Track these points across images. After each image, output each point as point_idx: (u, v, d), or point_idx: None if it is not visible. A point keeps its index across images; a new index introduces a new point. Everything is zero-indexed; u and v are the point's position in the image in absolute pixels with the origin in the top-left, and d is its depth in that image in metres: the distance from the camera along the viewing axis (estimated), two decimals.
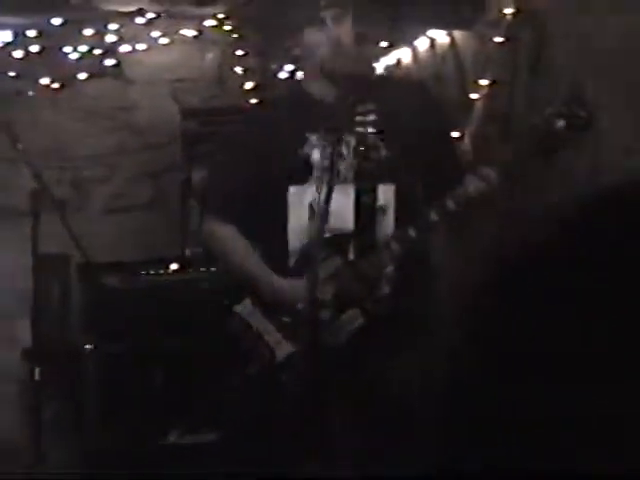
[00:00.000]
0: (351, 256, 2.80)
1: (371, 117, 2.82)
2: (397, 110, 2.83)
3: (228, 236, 2.94)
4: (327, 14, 2.83)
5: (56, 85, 5.30)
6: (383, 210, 2.80)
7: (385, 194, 2.81)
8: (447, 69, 4.36)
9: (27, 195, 4.14)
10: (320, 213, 2.60)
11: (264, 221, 2.87)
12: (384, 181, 2.80)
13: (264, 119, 3.00)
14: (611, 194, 0.93)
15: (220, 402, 4.11)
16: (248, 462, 2.91)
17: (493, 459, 0.89)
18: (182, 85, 5.48)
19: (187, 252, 4.96)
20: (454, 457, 0.92)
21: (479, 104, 4.05)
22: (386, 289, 2.79)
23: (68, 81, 5.31)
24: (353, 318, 2.77)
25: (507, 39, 3.91)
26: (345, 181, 2.79)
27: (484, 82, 4.03)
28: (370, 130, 2.80)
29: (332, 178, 2.62)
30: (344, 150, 2.80)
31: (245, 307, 2.90)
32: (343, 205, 2.77)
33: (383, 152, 2.80)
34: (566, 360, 0.87)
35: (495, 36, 3.95)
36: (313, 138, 2.83)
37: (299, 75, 5.29)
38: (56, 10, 5.12)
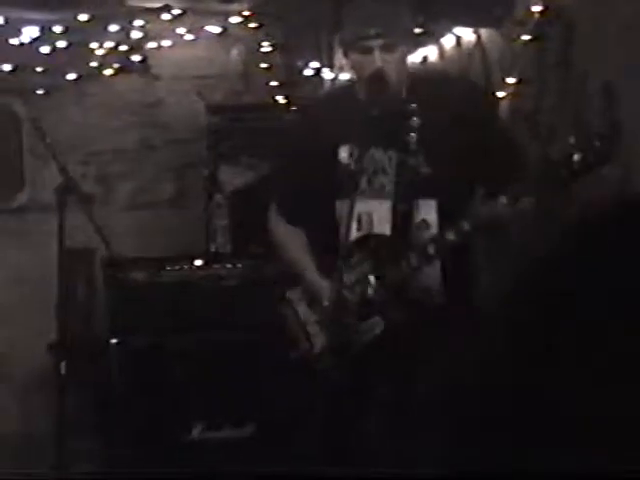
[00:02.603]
0: (383, 263, 2.87)
1: (414, 134, 2.85)
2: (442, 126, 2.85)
3: (285, 231, 3.10)
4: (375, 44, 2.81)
5: (82, 81, 5.32)
6: (424, 223, 2.84)
7: (425, 208, 2.87)
8: (474, 67, 4.34)
9: (53, 189, 4.16)
10: (352, 221, 2.75)
11: (318, 222, 2.99)
12: (424, 196, 2.83)
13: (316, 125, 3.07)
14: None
15: (247, 396, 4.15)
16: (277, 457, 2.96)
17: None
18: (207, 81, 5.49)
19: (212, 248, 4.99)
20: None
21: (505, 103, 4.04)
22: (409, 298, 2.83)
23: (94, 77, 5.33)
24: (375, 324, 2.83)
25: (535, 37, 3.90)
26: (387, 194, 2.89)
27: (511, 80, 4.02)
28: (413, 147, 2.84)
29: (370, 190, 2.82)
30: (387, 165, 2.89)
31: (295, 294, 3.01)
32: (382, 216, 2.87)
33: (424, 169, 2.84)
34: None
35: (523, 34, 3.94)
36: (356, 151, 2.89)
37: (325, 72, 5.32)
38: (82, 6, 5.15)
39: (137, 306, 4.45)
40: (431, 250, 2.79)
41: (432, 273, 2.86)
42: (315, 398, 2.81)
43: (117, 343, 4.37)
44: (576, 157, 2.57)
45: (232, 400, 4.29)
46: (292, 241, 3.07)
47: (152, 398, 4.31)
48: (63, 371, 4.01)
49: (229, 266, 4.59)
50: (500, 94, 4.00)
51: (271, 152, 3.33)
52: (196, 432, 4.36)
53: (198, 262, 4.61)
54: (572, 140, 2.62)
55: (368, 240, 2.87)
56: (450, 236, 2.76)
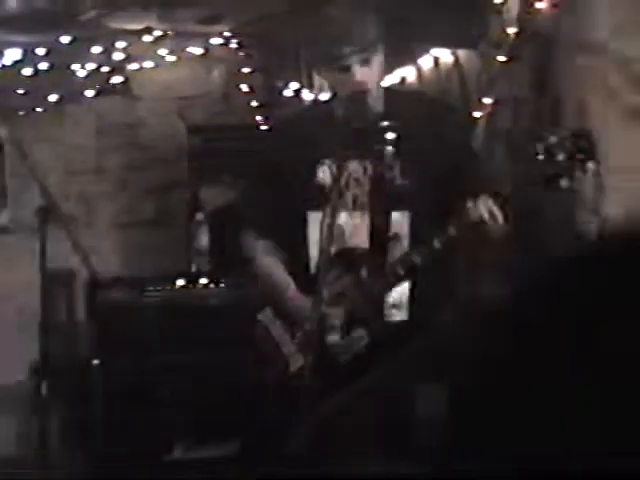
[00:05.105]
0: (362, 276, 2.85)
1: (389, 146, 2.85)
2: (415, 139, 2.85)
3: (258, 248, 3.05)
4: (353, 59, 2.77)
5: (64, 102, 5.35)
6: (396, 236, 2.84)
7: (399, 220, 2.86)
8: (451, 88, 4.40)
9: (35, 210, 4.17)
10: (329, 236, 2.65)
11: (290, 238, 2.96)
12: (398, 208, 2.84)
13: (285, 139, 3.04)
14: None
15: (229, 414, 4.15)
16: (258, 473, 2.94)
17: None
18: (188, 102, 5.53)
19: (194, 267, 5.01)
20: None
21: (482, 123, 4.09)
22: (392, 311, 2.84)
23: (76, 98, 5.36)
24: (359, 338, 2.82)
25: (510, 58, 3.95)
26: (361, 207, 2.86)
27: (488, 101, 4.07)
28: (387, 158, 2.84)
29: (342, 203, 2.74)
30: (361, 176, 2.87)
31: (266, 316, 2.97)
32: (358, 229, 2.85)
33: (398, 180, 2.85)
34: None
35: (498, 55, 3.99)
36: (328, 162, 2.88)
37: (304, 93, 5.37)
38: (65, 28, 5.18)
39: (118, 327, 4.46)
40: (416, 260, 2.77)
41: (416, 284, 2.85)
42: (296, 416, 2.79)
43: (99, 364, 4.38)
44: (560, 156, 2.56)
45: (215, 420, 4.30)
46: (269, 260, 3.03)
47: (135, 419, 4.31)
48: (44, 391, 4.02)
49: (211, 286, 4.61)
50: (475, 110, 4.06)
51: (250, 171, 3.34)
52: (179, 452, 4.37)
53: (180, 282, 4.63)
54: (553, 139, 2.59)
55: (346, 253, 2.87)
56: (436, 245, 2.72)
